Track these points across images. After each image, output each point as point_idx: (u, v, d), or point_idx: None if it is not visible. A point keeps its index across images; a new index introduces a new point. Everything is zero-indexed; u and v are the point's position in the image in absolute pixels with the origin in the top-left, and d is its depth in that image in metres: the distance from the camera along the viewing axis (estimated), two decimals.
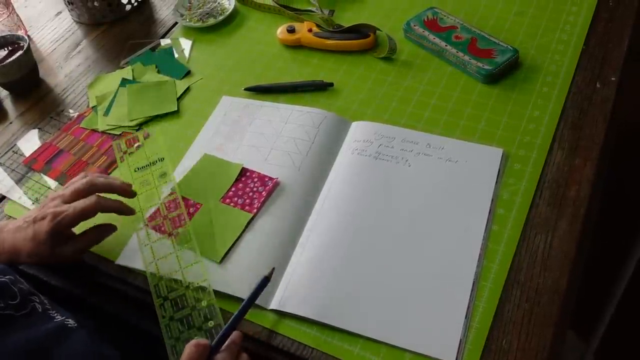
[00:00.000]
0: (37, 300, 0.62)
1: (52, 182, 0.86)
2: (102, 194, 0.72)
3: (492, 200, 0.72)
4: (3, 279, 0.61)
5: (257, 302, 0.67)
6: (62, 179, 0.86)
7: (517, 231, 0.69)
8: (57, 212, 0.67)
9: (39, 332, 0.58)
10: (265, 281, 0.65)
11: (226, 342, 0.61)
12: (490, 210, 0.71)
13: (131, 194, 0.75)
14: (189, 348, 0.59)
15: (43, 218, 0.68)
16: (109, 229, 0.73)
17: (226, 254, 0.72)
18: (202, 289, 0.68)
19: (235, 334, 0.62)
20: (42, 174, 0.87)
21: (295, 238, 0.73)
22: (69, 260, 0.72)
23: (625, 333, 1.23)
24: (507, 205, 0.72)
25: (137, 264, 0.74)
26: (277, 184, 0.78)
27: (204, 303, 0.67)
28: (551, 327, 0.62)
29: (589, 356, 1.27)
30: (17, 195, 0.85)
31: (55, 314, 0.61)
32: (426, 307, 0.64)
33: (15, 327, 0.57)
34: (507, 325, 0.63)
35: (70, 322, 0.61)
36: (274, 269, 0.67)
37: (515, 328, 0.62)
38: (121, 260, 0.74)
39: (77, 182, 0.72)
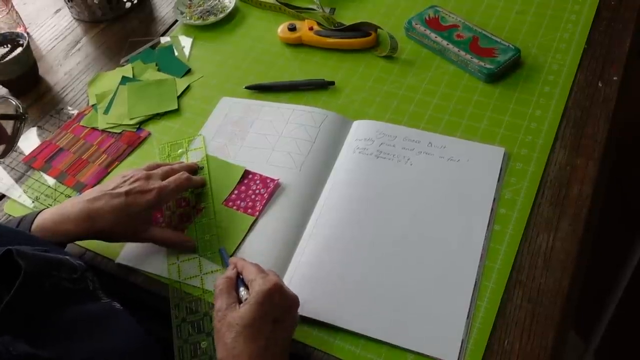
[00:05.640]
0: (90, 278, 0.63)
1: (51, 181, 0.86)
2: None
3: (494, 199, 0.72)
4: (65, 256, 0.63)
5: None
6: (62, 178, 0.85)
7: (519, 231, 0.69)
8: (163, 186, 0.72)
9: (93, 308, 0.60)
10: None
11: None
12: (492, 209, 0.71)
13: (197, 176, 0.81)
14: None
15: (143, 192, 0.71)
16: (189, 244, 0.74)
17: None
18: None
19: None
20: (41, 173, 0.87)
21: (297, 238, 0.73)
22: (148, 236, 0.72)
23: (626, 332, 1.22)
24: (509, 204, 0.72)
25: (138, 263, 0.74)
26: (278, 185, 0.77)
27: None
28: (553, 327, 0.62)
29: (588, 355, 1.27)
30: (17, 193, 0.85)
31: (102, 295, 0.63)
32: (428, 307, 0.64)
33: (71, 301, 0.59)
34: (509, 326, 0.63)
35: (117, 304, 0.63)
36: None
37: (517, 328, 0.62)
38: (121, 260, 0.74)
39: (161, 167, 0.76)
